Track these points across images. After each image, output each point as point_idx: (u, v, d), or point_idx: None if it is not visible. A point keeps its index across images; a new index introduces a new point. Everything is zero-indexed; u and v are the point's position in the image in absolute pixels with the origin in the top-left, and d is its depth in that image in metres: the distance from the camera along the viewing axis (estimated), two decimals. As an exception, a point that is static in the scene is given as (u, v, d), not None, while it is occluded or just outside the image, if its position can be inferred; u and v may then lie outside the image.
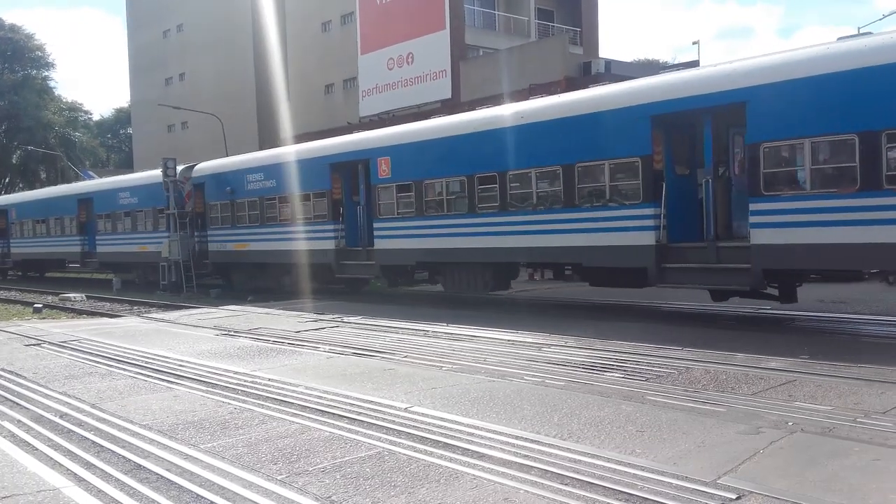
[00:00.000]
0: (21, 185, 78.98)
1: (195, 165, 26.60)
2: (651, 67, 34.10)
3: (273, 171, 22.57)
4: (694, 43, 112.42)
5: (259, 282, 23.81)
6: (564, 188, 14.77)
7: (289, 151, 23.05)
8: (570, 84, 24.99)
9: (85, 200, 32.84)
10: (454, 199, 17.15)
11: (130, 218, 29.33)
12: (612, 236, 14.05)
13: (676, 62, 50.72)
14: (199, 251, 25.89)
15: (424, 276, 20.04)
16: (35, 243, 37.70)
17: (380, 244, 18.97)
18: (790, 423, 6.45)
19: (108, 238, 30.91)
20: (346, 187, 20.64)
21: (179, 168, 26.16)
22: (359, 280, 21.76)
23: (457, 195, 17.06)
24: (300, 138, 32.09)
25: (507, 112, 16.32)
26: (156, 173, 27.34)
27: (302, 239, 21.31)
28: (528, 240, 15.61)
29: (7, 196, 47.99)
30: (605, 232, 14.15)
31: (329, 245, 20.49)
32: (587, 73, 30.16)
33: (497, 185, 16.00)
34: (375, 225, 19.07)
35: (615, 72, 28.26)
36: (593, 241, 14.38)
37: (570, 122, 14.73)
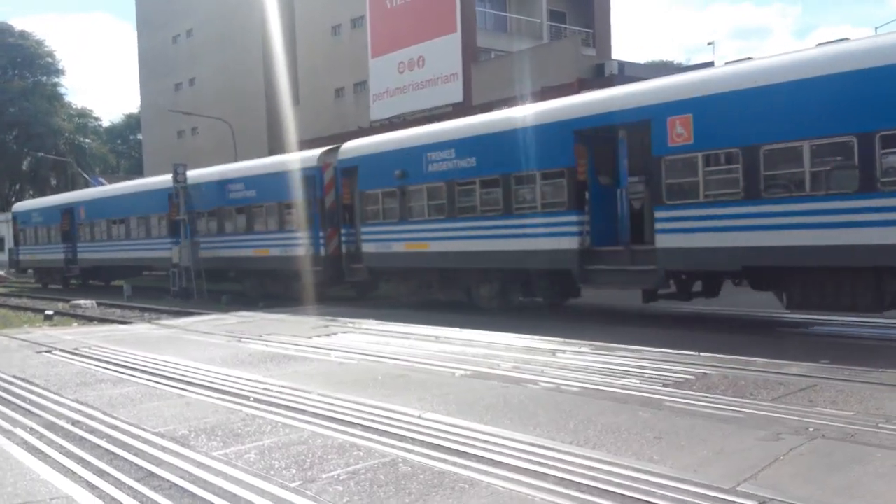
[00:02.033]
0: (31, 192, 79.45)
1: (340, 146, 21.35)
2: (665, 69, 33.99)
3: (473, 145, 17.00)
4: (709, 44, 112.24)
5: (439, 292, 18.66)
6: None
7: (501, 118, 17.29)
8: (584, 86, 24.84)
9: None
10: (828, 172, 11.52)
11: (245, 215, 24.10)
12: None
13: (691, 63, 50.61)
14: (347, 253, 20.75)
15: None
16: (110, 247, 31.93)
17: (666, 241, 13.46)
18: (811, 429, 6.36)
19: (213, 240, 25.57)
20: (593, 164, 15.20)
21: (318, 152, 21.74)
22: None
23: (834, 165, 11.48)
24: (310, 144, 32.03)
25: None
26: (285, 158, 23.55)
27: (520, 236, 15.85)
28: None
29: (74, 193, 40.92)
30: None
31: (568, 243, 14.97)
32: (600, 74, 30.04)
33: None
34: (659, 214, 13.63)
35: (629, 73, 28.14)
36: None
37: None
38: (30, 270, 41.78)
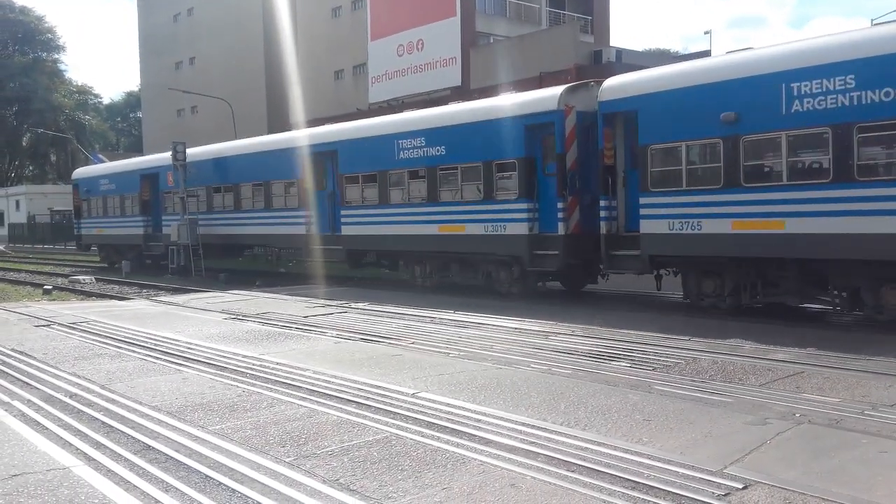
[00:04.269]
0: (31, 168, 79.28)
1: (600, 84, 15.17)
2: (663, 57, 34.02)
3: None
4: (706, 32, 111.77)
5: (791, 294, 12.79)
6: None
7: None
8: (581, 72, 24.83)
9: (320, 156, 21.45)
10: None
11: (426, 180, 18.24)
12: None
13: (688, 52, 50.59)
14: (608, 233, 14.78)
15: None
16: (211, 221, 25.70)
17: None
18: (797, 415, 6.45)
19: (368, 214, 19.77)
20: None
21: (557, 91, 15.71)
22: None
23: None
24: (309, 124, 31.99)
25: None
26: (496, 103, 17.62)
27: None
28: None
29: (157, 155, 31.31)
30: None
31: None
32: (598, 61, 30.07)
33: None
34: None
35: (626, 61, 28.15)
36: None
37: None
38: (93, 247, 35.42)
